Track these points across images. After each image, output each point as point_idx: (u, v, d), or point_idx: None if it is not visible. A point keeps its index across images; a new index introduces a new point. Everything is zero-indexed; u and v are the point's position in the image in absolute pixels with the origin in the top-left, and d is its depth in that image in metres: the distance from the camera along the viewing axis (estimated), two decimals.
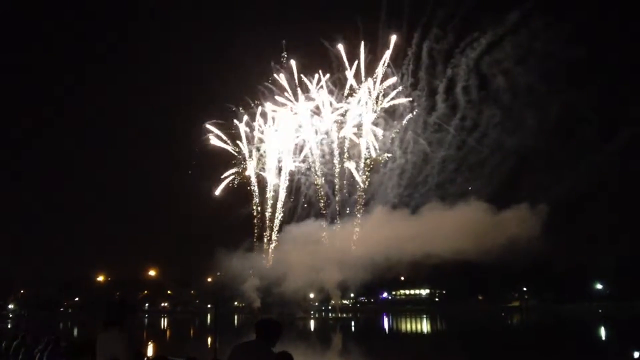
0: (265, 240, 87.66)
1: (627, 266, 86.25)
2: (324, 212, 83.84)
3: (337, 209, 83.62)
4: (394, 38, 77.55)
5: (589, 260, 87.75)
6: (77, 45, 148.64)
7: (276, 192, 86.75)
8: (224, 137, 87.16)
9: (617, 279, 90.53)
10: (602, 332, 57.12)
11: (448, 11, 74.00)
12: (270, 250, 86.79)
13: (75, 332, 64.97)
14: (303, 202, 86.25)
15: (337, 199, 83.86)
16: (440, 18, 74.89)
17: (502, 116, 73.10)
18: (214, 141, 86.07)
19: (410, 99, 78.52)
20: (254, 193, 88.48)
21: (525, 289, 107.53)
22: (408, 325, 78.99)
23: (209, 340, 44.01)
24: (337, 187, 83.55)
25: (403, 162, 79.52)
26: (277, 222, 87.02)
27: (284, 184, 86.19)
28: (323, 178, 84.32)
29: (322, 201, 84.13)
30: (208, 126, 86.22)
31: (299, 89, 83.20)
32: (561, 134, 78.25)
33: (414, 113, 78.54)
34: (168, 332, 76.92)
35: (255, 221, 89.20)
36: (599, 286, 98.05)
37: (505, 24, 70.84)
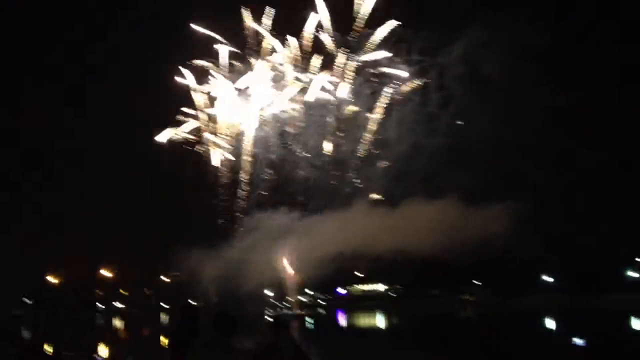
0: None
1: (576, 260, 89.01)
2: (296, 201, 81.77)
3: (305, 199, 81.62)
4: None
5: (539, 254, 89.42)
6: None
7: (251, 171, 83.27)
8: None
9: (567, 273, 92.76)
10: (549, 322, 59.05)
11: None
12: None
13: (26, 335, 63.39)
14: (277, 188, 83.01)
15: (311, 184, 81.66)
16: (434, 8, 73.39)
17: (497, 110, 68.83)
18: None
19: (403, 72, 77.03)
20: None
21: (479, 283, 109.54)
22: (364, 321, 79.76)
23: (162, 339, 43.50)
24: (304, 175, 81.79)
25: (394, 153, 76.79)
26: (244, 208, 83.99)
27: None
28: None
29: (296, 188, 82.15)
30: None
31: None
32: (557, 132, 77.00)
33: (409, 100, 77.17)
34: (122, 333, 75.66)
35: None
36: (550, 279, 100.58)
37: (503, 17, 67.53)
